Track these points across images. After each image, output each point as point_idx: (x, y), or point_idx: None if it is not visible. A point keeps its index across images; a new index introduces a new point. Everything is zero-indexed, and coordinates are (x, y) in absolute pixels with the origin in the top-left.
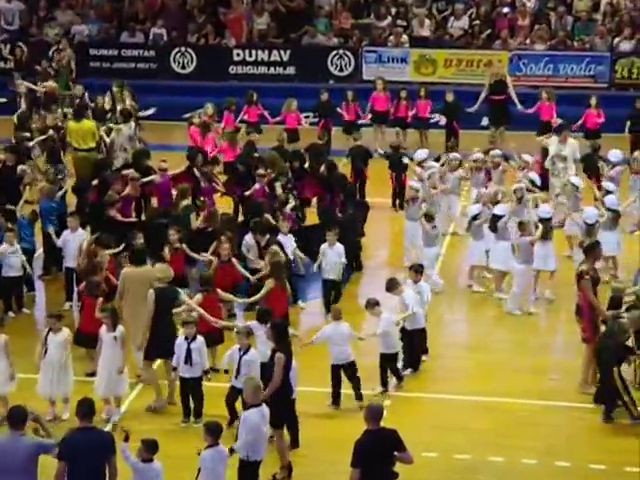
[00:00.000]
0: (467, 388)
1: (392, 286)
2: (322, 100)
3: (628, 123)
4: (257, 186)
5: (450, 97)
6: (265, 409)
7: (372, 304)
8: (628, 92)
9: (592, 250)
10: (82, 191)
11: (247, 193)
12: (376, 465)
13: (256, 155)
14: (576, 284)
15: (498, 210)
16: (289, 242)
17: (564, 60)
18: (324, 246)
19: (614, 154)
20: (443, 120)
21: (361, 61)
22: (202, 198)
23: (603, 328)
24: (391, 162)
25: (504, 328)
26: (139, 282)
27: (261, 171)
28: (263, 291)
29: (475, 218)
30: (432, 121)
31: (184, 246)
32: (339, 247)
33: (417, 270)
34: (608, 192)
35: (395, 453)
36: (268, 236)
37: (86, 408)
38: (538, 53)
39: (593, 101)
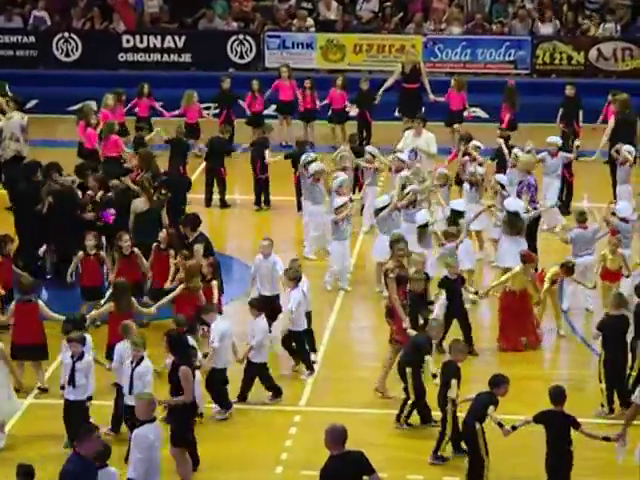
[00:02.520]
0: (375, 400)
1: (255, 306)
2: (223, 89)
3: (560, 111)
4: None
5: (365, 85)
6: (159, 426)
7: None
8: (550, 79)
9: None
10: None
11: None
12: None
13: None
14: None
15: (456, 205)
16: None
17: (482, 45)
18: None
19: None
20: (355, 110)
21: (263, 47)
22: (163, 191)
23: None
24: (295, 160)
25: None
26: None
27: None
28: (97, 311)
29: (426, 225)
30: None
31: (136, 250)
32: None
33: (291, 277)
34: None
35: (364, 477)
36: (198, 233)
37: None
38: (454, 37)
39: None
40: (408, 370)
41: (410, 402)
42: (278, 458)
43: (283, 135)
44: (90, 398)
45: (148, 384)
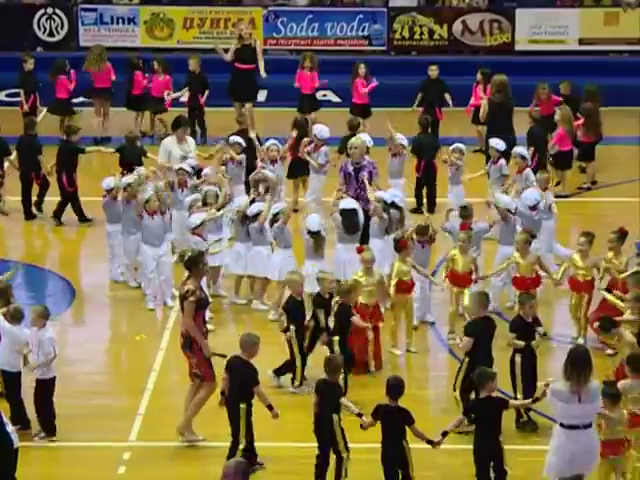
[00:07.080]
0: (220, 431)
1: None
2: (26, 71)
3: (419, 95)
4: None
5: (195, 66)
6: None
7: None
8: (410, 56)
9: (196, 265)
10: None
11: None
12: None
13: None
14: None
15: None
16: None
17: (332, 18)
18: None
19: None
20: (185, 96)
21: (77, 23)
22: None
23: None
24: (124, 155)
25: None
26: None
27: None
28: None
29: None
30: (171, 100)
31: None
32: None
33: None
34: None
35: None
36: None
37: None
38: (299, 9)
39: (362, 70)
40: (242, 407)
41: (242, 447)
42: None
43: (100, 127)
44: None
45: None
